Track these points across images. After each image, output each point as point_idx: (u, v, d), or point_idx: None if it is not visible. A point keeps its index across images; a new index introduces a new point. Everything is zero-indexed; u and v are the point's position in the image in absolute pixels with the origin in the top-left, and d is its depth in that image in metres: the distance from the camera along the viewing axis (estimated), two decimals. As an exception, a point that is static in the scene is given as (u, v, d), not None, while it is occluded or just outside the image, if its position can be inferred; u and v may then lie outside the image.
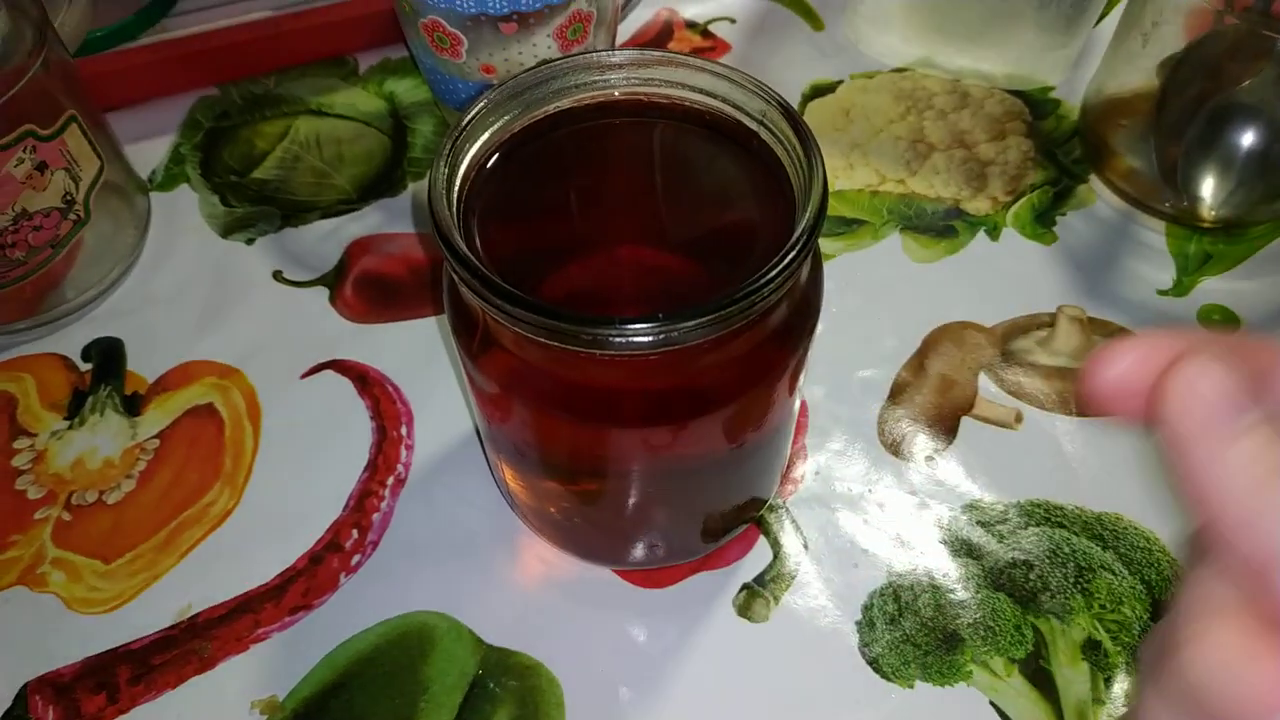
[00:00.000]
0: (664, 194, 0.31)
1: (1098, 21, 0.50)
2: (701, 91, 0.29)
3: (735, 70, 0.28)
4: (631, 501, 0.32)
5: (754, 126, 0.28)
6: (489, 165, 0.28)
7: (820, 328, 0.38)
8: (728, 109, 0.29)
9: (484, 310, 0.26)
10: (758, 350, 0.27)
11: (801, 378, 0.31)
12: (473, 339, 0.28)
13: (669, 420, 0.28)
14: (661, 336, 0.23)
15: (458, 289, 0.27)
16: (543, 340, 0.24)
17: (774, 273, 0.24)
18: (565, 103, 0.29)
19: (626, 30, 0.54)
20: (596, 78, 0.29)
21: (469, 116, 0.27)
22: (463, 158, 0.27)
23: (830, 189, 0.47)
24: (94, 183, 0.41)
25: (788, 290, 0.26)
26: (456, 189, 0.27)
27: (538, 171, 0.29)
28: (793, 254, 0.24)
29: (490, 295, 0.24)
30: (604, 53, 0.28)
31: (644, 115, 0.30)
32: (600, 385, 0.28)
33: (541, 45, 0.41)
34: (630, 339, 0.23)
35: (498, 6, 0.39)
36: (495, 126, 0.28)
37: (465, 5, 0.39)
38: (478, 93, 0.43)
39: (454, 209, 0.26)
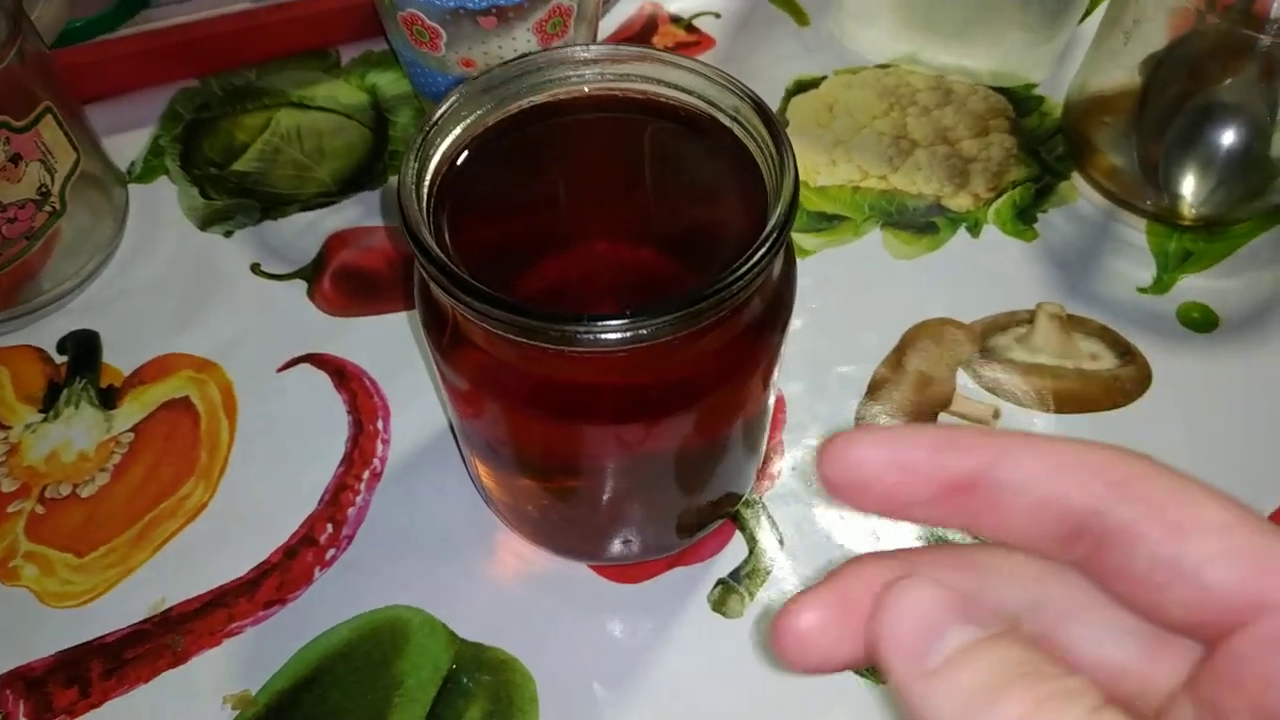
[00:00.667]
0: (638, 189, 0.31)
1: (1082, 19, 0.50)
2: (676, 87, 0.29)
3: (709, 66, 0.28)
4: (606, 497, 0.32)
5: (728, 122, 0.28)
6: (461, 160, 0.28)
7: (799, 323, 0.38)
8: (702, 105, 0.28)
9: (453, 307, 0.26)
10: (730, 346, 0.27)
11: (776, 373, 0.31)
12: (443, 335, 0.28)
13: (641, 416, 0.27)
14: (630, 334, 0.23)
15: (428, 285, 0.27)
16: (512, 337, 0.24)
17: (744, 269, 0.24)
18: (539, 97, 0.29)
19: (610, 24, 0.54)
20: (571, 73, 0.29)
21: (440, 111, 0.27)
22: (434, 152, 0.27)
23: (812, 185, 0.47)
24: (70, 175, 0.41)
25: (759, 286, 0.26)
26: (427, 184, 0.26)
27: (511, 166, 0.29)
28: (763, 250, 0.24)
29: (458, 292, 0.24)
30: (579, 47, 0.28)
31: (618, 110, 0.29)
32: (571, 381, 0.27)
33: (521, 39, 0.41)
34: (599, 336, 0.23)
35: (476, 1, 0.39)
36: (468, 121, 0.28)
37: None
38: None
39: (424, 205, 0.26)
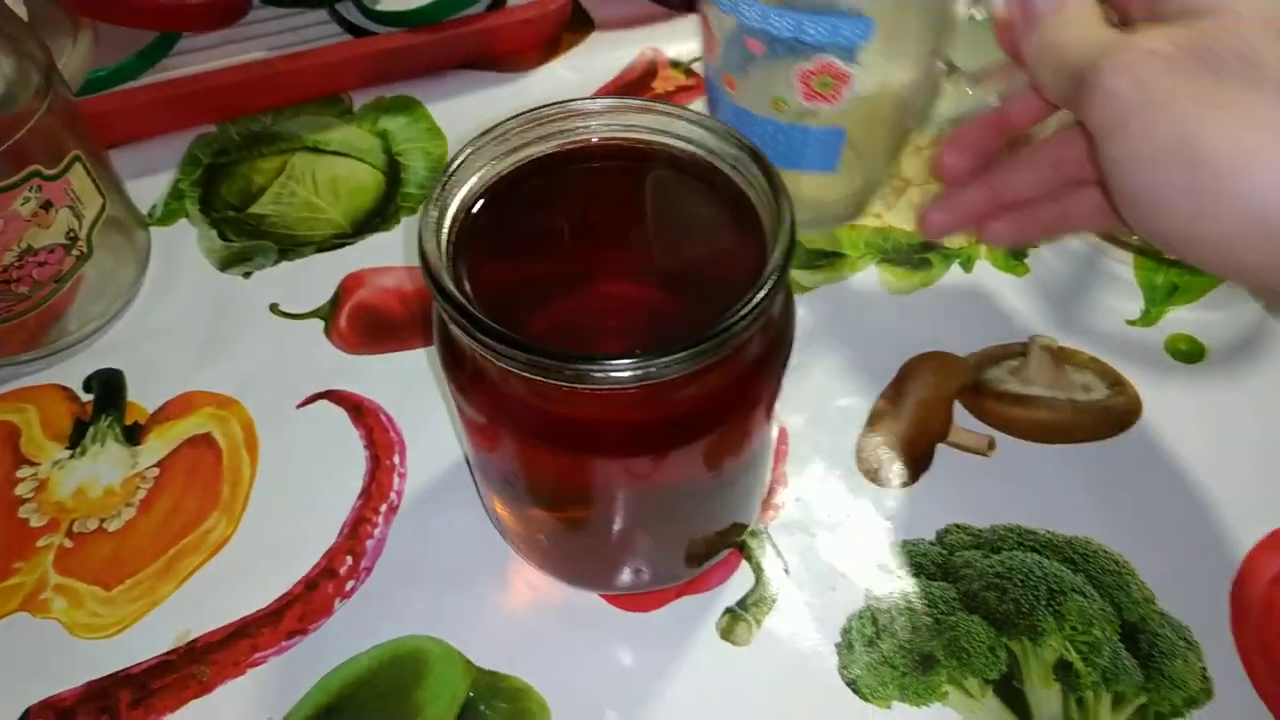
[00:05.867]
0: (643, 233, 0.32)
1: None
2: (678, 137, 0.30)
3: (710, 118, 0.29)
4: (616, 529, 0.33)
5: (728, 170, 0.30)
6: (476, 207, 0.30)
7: (800, 358, 0.40)
8: (703, 154, 0.30)
9: (471, 347, 0.27)
10: (735, 381, 0.28)
11: (778, 406, 0.33)
12: (462, 372, 0.29)
13: (649, 450, 0.29)
14: (639, 372, 0.25)
15: (447, 325, 0.29)
16: (527, 375, 0.26)
17: (746, 310, 0.25)
18: (549, 147, 0.31)
19: (611, 69, 0.56)
20: (579, 124, 0.30)
21: (456, 162, 0.28)
22: (451, 200, 0.28)
23: (810, 223, 0.48)
24: (96, 219, 0.43)
25: (762, 324, 0.27)
26: (445, 230, 0.28)
27: (523, 213, 0.31)
28: (763, 292, 0.25)
29: (476, 333, 0.25)
30: (585, 100, 0.30)
31: (623, 159, 0.31)
32: (583, 417, 0.29)
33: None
34: (610, 374, 0.25)
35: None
36: (481, 171, 0.29)
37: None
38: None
39: (443, 250, 0.27)
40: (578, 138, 0.31)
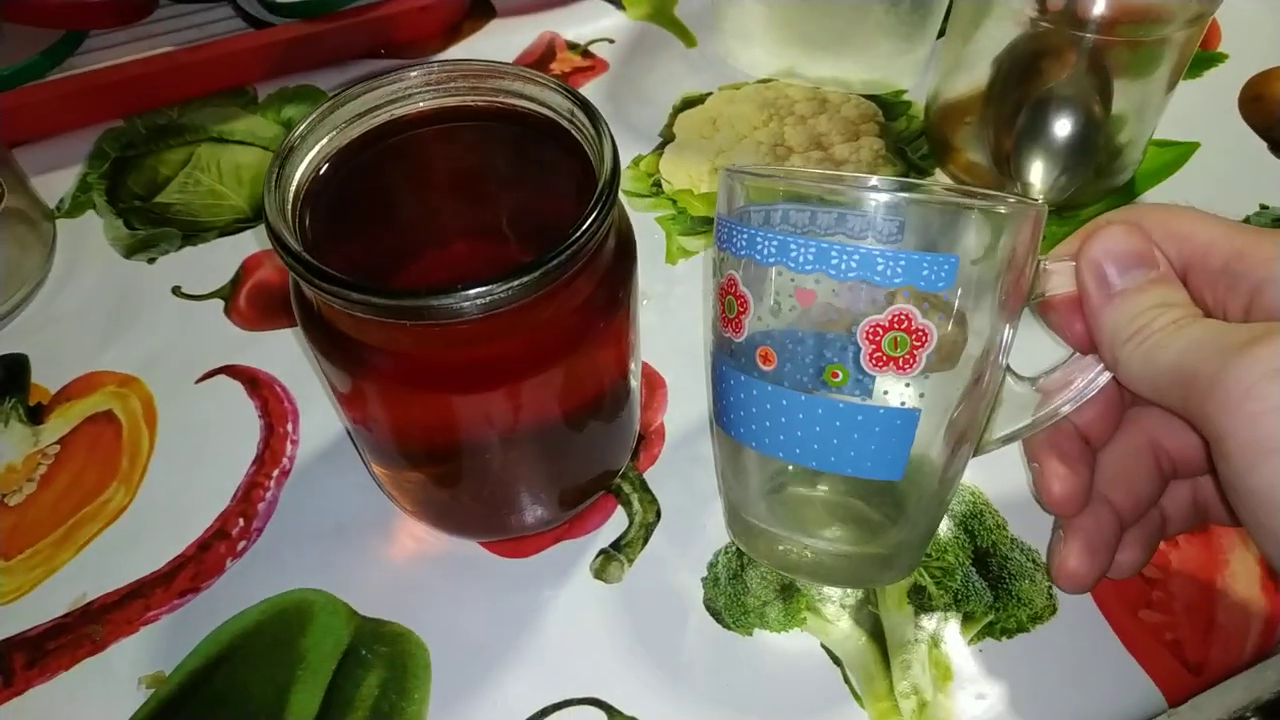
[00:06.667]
0: (490, 191, 0.34)
1: (941, 32, 0.54)
2: (518, 96, 0.32)
3: (542, 75, 0.31)
4: (483, 476, 0.35)
5: (564, 123, 0.31)
6: (322, 173, 0.31)
7: (684, 317, 0.41)
8: (542, 110, 0.32)
9: (319, 299, 0.29)
10: (573, 316, 0.30)
11: (632, 353, 0.34)
12: (320, 333, 0.31)
13: (498, 385, 0.30)
14: (479, 301, 0.26)
15: (300, 287, 0.30)
16: (371, 317, 0.27)
17: (570, 240, 0.27)
18: (397, 112, 0.32)
19: (505, 54, 0.58)
20: (423, 89, 0.32)
21: (300, 128, 0.30)
22: (298, 160, 0.30)
23: (696, 192, 0.50)
24: (-6, 208, 0.44)
25: (592, 262, 0.29)
26: (291, 193, 0.29)
27: (371, 178, 0.32)
28: (587, 223, 0.27)
29: (313, 279, 0.27)
30: (429, 63, 0.32)
31: (467, 120, 0.33)
32: (433, 357, 0.30)
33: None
34: (446, 304, 0.26)
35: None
36: (331, 134, 0.31)
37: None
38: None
39: (287, 209, 0.29)
40: (422, 102, 0.32)
